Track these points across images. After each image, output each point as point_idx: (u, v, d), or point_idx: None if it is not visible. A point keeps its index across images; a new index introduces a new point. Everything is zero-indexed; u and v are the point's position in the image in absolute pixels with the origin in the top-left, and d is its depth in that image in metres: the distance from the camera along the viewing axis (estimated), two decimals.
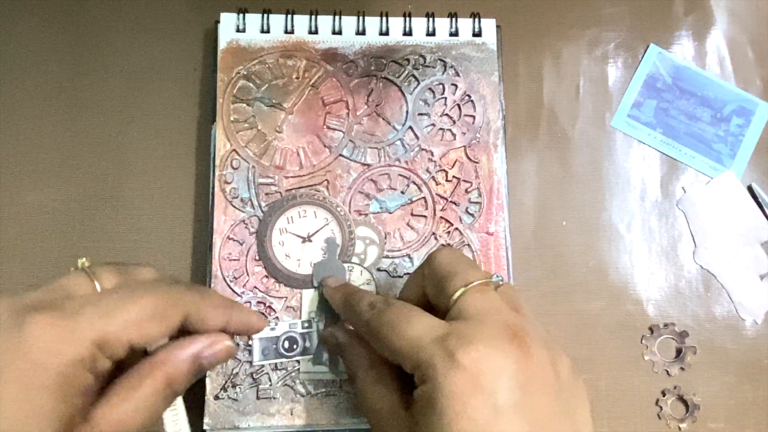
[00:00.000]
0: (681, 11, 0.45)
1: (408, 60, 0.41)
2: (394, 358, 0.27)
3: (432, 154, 0.40)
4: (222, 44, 0.40)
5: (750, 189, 0.42)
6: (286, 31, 0.41)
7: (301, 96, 0.40)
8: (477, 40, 0.41)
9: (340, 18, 0.41)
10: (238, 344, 0.36)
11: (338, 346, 0.34)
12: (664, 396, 0.39)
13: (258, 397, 0.36)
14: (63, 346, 0.23)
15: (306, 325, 0.37)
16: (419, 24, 0.41)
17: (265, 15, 0.41)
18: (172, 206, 0.40)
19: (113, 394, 0.25)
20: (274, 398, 0.36)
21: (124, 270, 0.28)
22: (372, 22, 0.41)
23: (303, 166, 0.39)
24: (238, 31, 0.40)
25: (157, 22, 0.43)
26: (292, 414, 0.36)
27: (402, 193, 0.39)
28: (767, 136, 0.43)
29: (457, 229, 0.39)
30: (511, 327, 0.26)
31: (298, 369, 0.36)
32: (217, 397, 0.35)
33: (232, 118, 0.39)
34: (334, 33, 0.41)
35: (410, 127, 0.40)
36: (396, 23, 0.41)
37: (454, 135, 0.40)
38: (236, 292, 0.37)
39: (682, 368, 0.39)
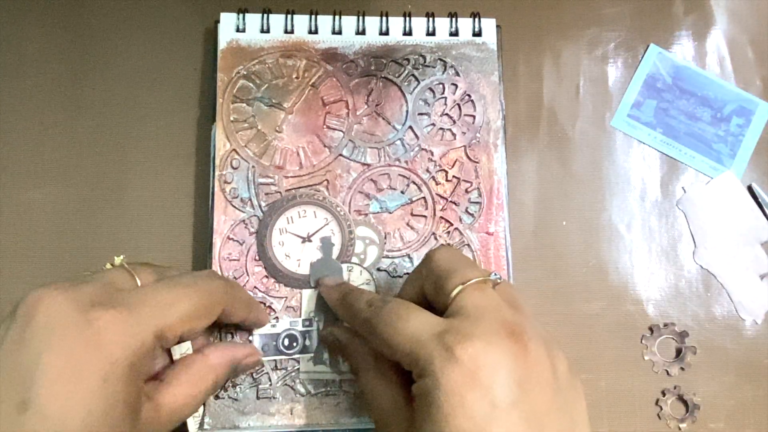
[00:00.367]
0: (681, 11, 0.45)
1: (408, 60, 0.41)
2: (392, 354, 0.27)
3: (432, 154, 0.40)
4: (222, 44, 0.40)
5: (750, 189, 0.42)
6: (286, 31, 0.41)
7: (301, 96, 0.40)
8: (477, 39, 0.41)
9: (340, 18, 0.41)
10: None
11: (339, 344, 0.34)
12: (664, 396, 0.39)
13: (258, 397, 0.36)
14: (130, 339, 0.25)
15: (306, 323, 0.37)
16: (419, 24, 0.41)
17: (265, 15, 0.41)
18: (172, 206, 0.40)
19: (177, 384, 0.29)
20: (274, 398, 0.36)
21: (158, 270, 0.30)
22: (372, 22, 0.41)
23: (303, 166, 0.39)
24: (238, 31, 0.40)
25: (157, 22, 0.43)
26: (292, 414, 0.36)
27: (402, 193, 0.39)
28: (767, 136, 0.43)
29: (457, 229, 0.39)
30: (509, 324, 0.26)
31: (298, 369, 0.36)
32: (217, 397, 0.35)
33: (231, 118, 0.39)
34: (334, 33, 0.41)
35: (410, 127, 0.40)
36: (396, 23, 0.41)
37: (454, 135, 0.40)
38: None
39: (682, 368, 0.39)
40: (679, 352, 0.40)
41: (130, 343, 0.25)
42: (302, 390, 0.36)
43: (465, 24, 0.42)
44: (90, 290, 0.26)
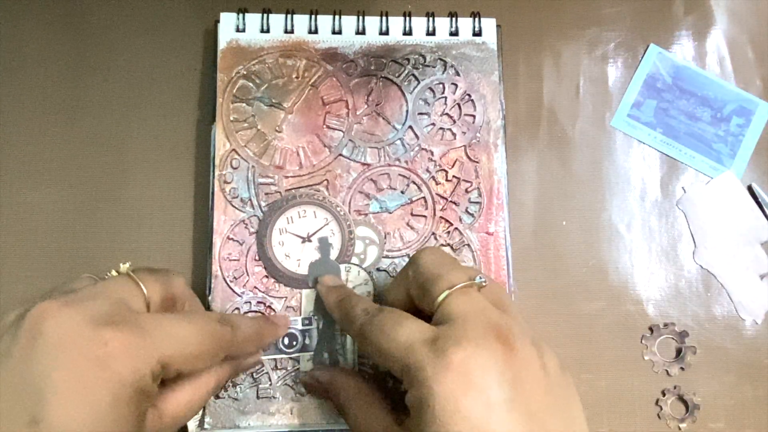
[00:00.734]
0: (681, 11, 0.45)
1: (408, 59, 0.41)
2: (384, 362, 0.28)
3: (432, 154, 0.40)
4: (222, 44, 0.40)
5: (750, 189, 0.42)
6: (285, 31, 0.41)
7: (301, 96, 0.40)
8: (477, 39, 0.41)
9: (340, 18, 0.41)
10: None
11: (320, 386, 0.34)
12: (664, 396, 0.39)
13: (258, 397, 0.36)
14: (140, 363, 0.25)
15: (306, 322, 0.37)
16: (419, 23, 0.41)
17: (265, 15, 0.41)
18: (172, 206, 0.40)
19: (179, 390, 0.29)
20: (274, 398, 0.36)
21: (163, 279, 0.30)
22: (372, 22, 0.41)
23: (303, 165, 0.39)
24: (238, 30, 0.40)
25: (157, 22, 0.43)
26: (292, 413, 0.36)
27: (402, 192, 0.39)
28: (767, 136, 0.43)
29: (456, 229, 0.39)
30: (496, 326, 0.26)
31: (298, 368, 0.36)
32: (217, 397, 0.35)
33: (231, 118, 0.39)
34: (334, 33, 0.41)
35: (410, 127, 0.40)
36: (396, 23, 0.41)
37: (454, 134, 0.40)
38: (236, 292, 0.37)
39: (682, 368, 0.39)
40: (679, 352, 0.40)
41: (139, 367, 0.25)
42: (302, 390, 0.36)
43: (465, 24, 0.42)
44: (101, 307, 0.26)
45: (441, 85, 0.41)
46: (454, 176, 0.40)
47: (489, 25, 0.42)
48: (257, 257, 0.38)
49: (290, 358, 0.36)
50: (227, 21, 0.40)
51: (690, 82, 0.44)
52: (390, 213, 0.39)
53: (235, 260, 0.37)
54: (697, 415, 0.39)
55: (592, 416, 0.39)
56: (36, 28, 0.42)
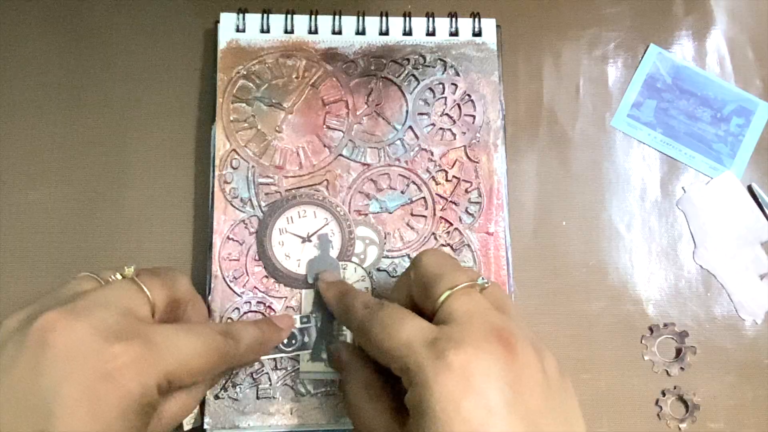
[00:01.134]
0: (681, 11, 0.45)
1: (408, 60, 0.41)
2: (384, 359, 0.28)
3: (432, 154, 0.40)
4: (222, 44, 0.40)
5: (750, 189, 0.42)
6: (285, 31, 0.41)
7: (301, 96, 0.40)
8: (477, 39, 0.41)
9: (339, 18, 0.41)
10: None
11: (339, 360, 0.34)
12: (664, 396, 0.39)
13: (258, 397, 0.36)
14: (147, 378, 0.26)
15: (305, 320, 0.37)
16: (419, 24, 0.41)
17: (265, 15, 0.41)
18: (172, 206, 0.40)
19: (177, 393, 0.29)
20: (274, 398, 0.36)
21: (169, 283, 0.30)
22: (372, 22, 0.41)
23: (303, 165, 0.39)
24: (238, 31, 0.40)
25: (157, 22, 0.43)
26: (292, 413, 0.36)
27: (402, 193, 0.39)
28: (767, 136, 0.43)
29: (456, 229, 0.39)
30: (497, 328, 0.26)
31: (298, 368, 0.36)
32: (217, 397, 0.35)
33: (231, 118, 0.39)
34: (333, 33, 0.41)
35: (410, 127, 0.40)
36: (396, 23, 0.41)
37: (454, 135, 0.40)
38: (236, 292, 0.37)
39: (682, 368, 0.39)
40: (679, 352, 0.40)
41: (147, 381, 0.25)
42: (302, 390, 0.36)
43: (465, 24, 0.42)
44: (109, 319, 0.26)
45: (441, 86, 0.41)
46: (454, 176, 0.40)
47: (489, 25, 0.42)
48: (257, 257, 0.38)
49: (290, 358, 0.36)
50: (227, 21, 0.40)
51: (690, 82, 0.44)
52: (390, 213, 0.39)
53: (235, 260, 0.37)
54: (697, 415, 0.39)
55: (591, 416, 0.39)
56: (36, 28, 0.42)
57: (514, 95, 0.43)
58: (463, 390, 0.24)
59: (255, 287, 0.37)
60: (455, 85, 0.41)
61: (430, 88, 0.41)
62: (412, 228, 0.39)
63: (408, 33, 0.41)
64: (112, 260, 0.39)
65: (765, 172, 0.43)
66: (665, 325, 0.40)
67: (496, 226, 0.39)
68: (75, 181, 0.40)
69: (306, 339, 0.36)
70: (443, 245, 0.39)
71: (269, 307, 0.37)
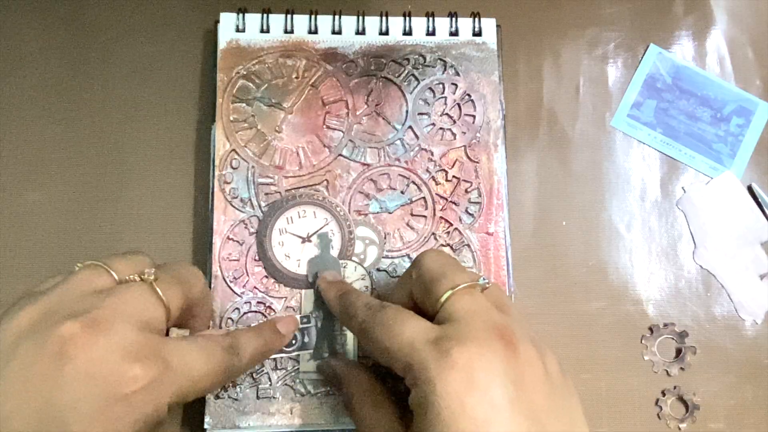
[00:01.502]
0: (681, 11, 0.45)
1: (408, 59, 0.41)
2: (386, 359, 0.28)
3: (432, 154, 0.40)
4: (222, 44, 0.40)
5: (750, 189, 0.42)
6: (285, 31, 0.41)
7: (301, 96, 0.40)
8: (477, 39, 0.41)
9: (339, 18, 0.41)
10: None
11: (335, 376, 0.34)
12: (664, 396, 0.39)
13: (258, 397, 0.36)
14: (161, 399, 0.26)
15: (305, 320, 0.37)
16: (419, 24, 0.41)
17: (265, 15, 0.41)
18: (172, 206, 0.40)
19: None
20: (274, 398, 0.36)
21: (185, 288, 0.30)
22: (372, 22, 0.41)
23: (303, 166, 0.39)
24: (237, 30, 0.40)
25: (157, 22, 0.43)
26: (292, 413, 0.36)
27: (402, 193, 0.39)
28: (767, 136, 0.43)
29: (456, 229, 0.39)
30: (499, 327, 0.26)
31: (298, 368, 0.36)
32: (217, 397, 0.35)
33: (231, 118, 0.39)
34: (333, 33, 0.41)
35: (410, 127, 0.40)
36: (396, 23, 0.41)
37: (454, 135, 0.40)
38: (236, 292, 0.37)
39: (682, 368, 0.39)
40: (679, 352, 0.40)
41: (161, 403, 0.26)
42: (302, 390, 0.36)
43: (465, 24, 0.42)
44: (129, 337, 0.26)
45: (441, 85, 0.41)
46: (454, 176, 0.40)
47: (489, 25, 0.42)
48: (257, 257, 0.38)
49: (290, 358, 0.36)
50: (227, 21, 0.40)
51: (690, 82, 0.44)
52: (390, 213, 0.39)
53: (235, 260, 0.37)
54: (697, 416, 0.39)
55: (591, 416, 0.39)
56: (35, 28, 0.42)
57: (514, 95, 0.43)
58: (467, 387, 0.24)
59: (255, 287, 0.37)
60: (455, 84, 0.41)
61: (430, 88, 0.41)
62: (412, 228, 0.39)
63: (408, 33, 0.41)
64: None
65: (765, 172, 0.43)
66: (665, 325, 0.40)
67: (496, 226, 0.39)
68: (75, 181, 0.40)
69: (306, 339, 0.36)
70: (443, 245, 0.39)
71: (269, 307, 0.37)
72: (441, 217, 0.39)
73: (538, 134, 0.43)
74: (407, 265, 0.38)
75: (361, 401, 0.31)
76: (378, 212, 0.39)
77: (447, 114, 0.41)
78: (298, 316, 0.37)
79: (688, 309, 0.41)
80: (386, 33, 0.41)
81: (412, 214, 0.39)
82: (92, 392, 0.24)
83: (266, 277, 0.37)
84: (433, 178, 0.40)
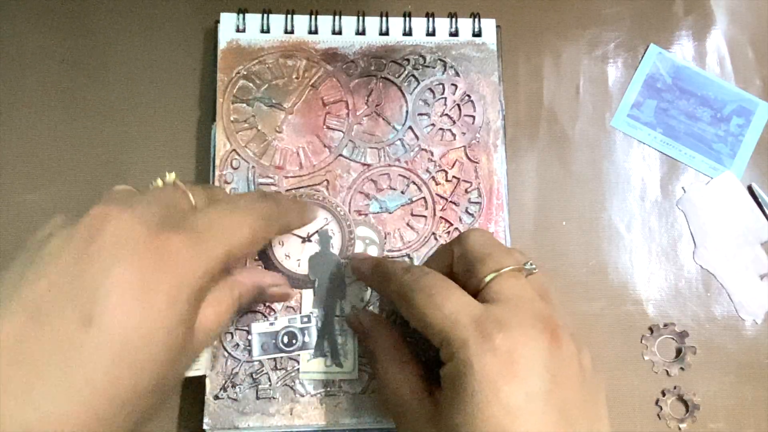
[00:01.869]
0: (681, 11, 0.45)
1: (408, 60, 0.41)
2: (423, 326, 0.27)
3: (432, 154, 0.40)
4: (222, 44, 0.40)
5: (750, 189, 0.42)
6: (286, 31, 0.41)
7: (301, 96, 0.40)
8: (477, 40, 0.41)
9: (340, 18, 0.41)
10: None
11: (362, 329, 0.34)
12: (664, 396, 0.39)
13: (258, 397, 0.36)
14: (198, 264, 0.25)
15: (305, 320, 0.37)
16: (419, 24, 0.41)
17: (265, 15, 0.41)
18: None
19: (205, 303, 0.27)
20: (273, 398, 0.36)
21: (207, 188, 0.31)
22: (372, 22, 0.41)
23: (303, 166, 0.39)
24: (238, 31, 0.40)
25: (157, 22, 0.43)
26: (291, 414, 0.36)
27: (402, 193, 0.39)
28: (767, 136, 0.43)
29: (457, 229, 0.39)
30: (545, 317, 0.26)
31: (298, 369, 0.36)
32: (216, 397, 0.35)
33: (232, 118, 0.39)
34: (334, 33, 0.41)
35: (410, 127, 0.40)
36: (396, 23, 0.41)
37: (454, 135, 0.40)
38: None
39: (682, 368, 0.39)
40: (679, 352, 0.40)
41: (198, 268, 0.25)
42: (302, 390, 0.36)
43: (465, 24, 0.42)
44: (157, 211, 0.26)
45: (441, 86, 0.41)
46: (454, 176, 0.40)
47: (489, 25, 0.42)
48: (257, 257, 0.38)
49: (290, 358, 0.36)
50: (227, 21, 0.40)
51: (690, 82, 0.44)
52: (390, 213, 0.39)
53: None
54: (697, 415, 0.39)
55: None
56: (35, 28, 0.42)
57: (514, 95, 0.43)
58: (505, 374, 0.24)
59: None
60: (455, 85, 0.41)
61: (430, 89, 0.41)
62: (412, 228, 0.39)
63: (408, 33, 0.41)
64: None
65: (765, 172, 0.43)
66: (665, 325, 0.40)
67: (496, 226, 0.39)
68: (75, 181, 0.40)
69: (306, 339, 0.36)
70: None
71: (269, 307, 0.37)
72: (441, 217, 0.39)
73: (538, 134, 0.43)
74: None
75: (387, 359, 0.30)
76: (378, 212, 0.39)
77: (447, 114, 0.41)
78: (297, 316, 0.37)
79: (688, 309, 0.41)
80: (386, 33, 0.41)
81: (412, 214, 0.39)
82: (122, 261, 0.24)
83: None
84: (433, 178, 0.40)
